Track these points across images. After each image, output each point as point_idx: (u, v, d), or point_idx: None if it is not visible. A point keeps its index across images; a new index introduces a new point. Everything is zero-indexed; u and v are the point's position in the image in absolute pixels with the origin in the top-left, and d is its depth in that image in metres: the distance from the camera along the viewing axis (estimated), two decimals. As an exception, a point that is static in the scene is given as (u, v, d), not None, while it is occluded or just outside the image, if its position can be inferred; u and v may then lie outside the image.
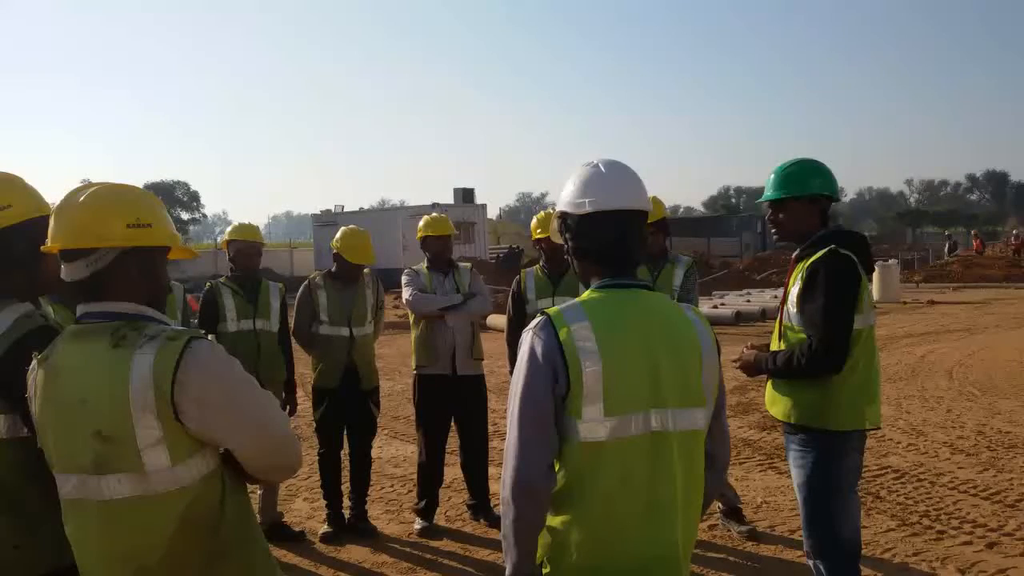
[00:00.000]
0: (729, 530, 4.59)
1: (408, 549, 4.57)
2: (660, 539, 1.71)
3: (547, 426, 1.70)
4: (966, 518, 4.73)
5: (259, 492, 4.73)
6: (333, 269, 4.86)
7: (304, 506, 5.34)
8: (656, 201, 4.18)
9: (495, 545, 4.50)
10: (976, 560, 4.15)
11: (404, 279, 4.90)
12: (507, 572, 1.75)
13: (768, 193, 3.04)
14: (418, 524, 4.82)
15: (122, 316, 1.71)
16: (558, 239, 1.92)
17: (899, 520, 4.74)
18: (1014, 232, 35.36)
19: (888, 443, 6.43)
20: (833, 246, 2.84)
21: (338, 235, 4.83)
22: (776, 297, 16.91)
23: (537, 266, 4.80)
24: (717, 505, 4.66)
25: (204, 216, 63.24)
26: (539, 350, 1.70)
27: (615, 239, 1.78)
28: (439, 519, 4.95)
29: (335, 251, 4.78)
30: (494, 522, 4.78)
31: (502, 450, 1.79)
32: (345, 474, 4.94)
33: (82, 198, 1.71)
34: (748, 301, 18.58)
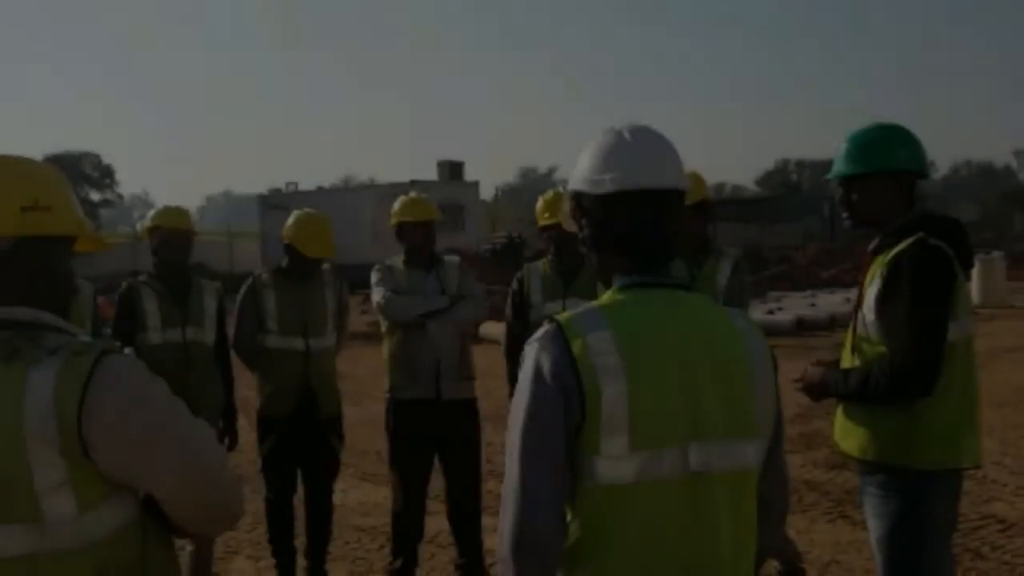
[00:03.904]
0: (789, 597, 4.59)
1: (380, 621, 4.58)
2: (701, 609, 1.71)
3: (557, 465, 1.70)
4: (1091, 581, 4.74)
5: (189, 548, 4.72)
6: (284, 264, 4.87)
7: (248, 566, 5.34)
8: (696, 177, 4.18)
9: (491, 616, 4.50)
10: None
11: (374, 277, 4.91)
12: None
13: (839, 167, 3.05)
14: (392, 589, 4.82)
15: (14, 324, 1.71)
16: (571, 226, 1.93)
17: (1005, 584, 4.74)
18: None
19: (991, 486, 6.42)
20: (921, 235, 2.85)
21: (291, 221, 4.85)
22: (849, 300, 16.93)
23: (544, 260, 4.81)
24: (773, 565, 4.66)
25: (120, 197, 63.39)
26: (546, 367, 1.71)
27: (644, 226, 1.79)
28: (419, 583, 4.94)
29: (287, 241, 4.81)
30: (489, 587, 4.78)
31: (500, 495, 1.79)
32: (300, 525, 4.95)
33: None
34: (813, 305, 18.64)
